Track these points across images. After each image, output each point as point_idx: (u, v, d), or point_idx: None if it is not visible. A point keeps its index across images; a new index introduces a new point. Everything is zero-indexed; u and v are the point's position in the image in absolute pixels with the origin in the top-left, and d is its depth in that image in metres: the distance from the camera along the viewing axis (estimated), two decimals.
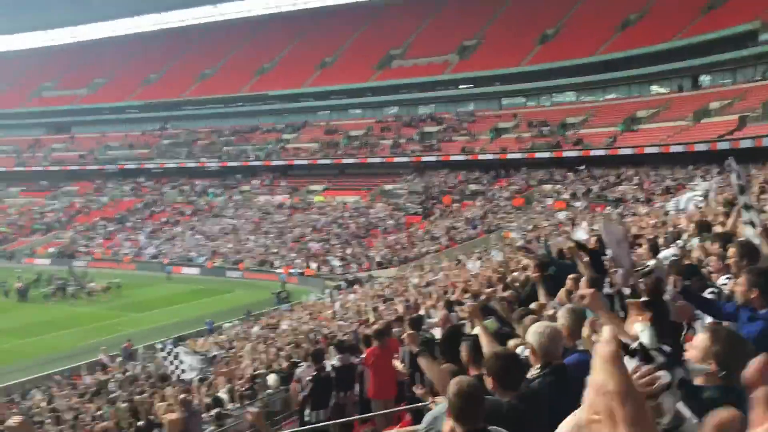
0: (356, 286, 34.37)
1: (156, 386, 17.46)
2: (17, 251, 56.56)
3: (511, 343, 5.12)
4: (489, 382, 3.51)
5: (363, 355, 9.13)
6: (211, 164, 65.57)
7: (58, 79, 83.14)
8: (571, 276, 7.95)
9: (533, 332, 3.97)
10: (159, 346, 19.48)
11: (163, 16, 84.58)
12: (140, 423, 11.91)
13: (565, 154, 48.50)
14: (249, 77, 72.79)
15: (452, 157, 54.18)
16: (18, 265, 50.68)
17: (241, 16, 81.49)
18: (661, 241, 10.34)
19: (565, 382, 3.77)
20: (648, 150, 43.67)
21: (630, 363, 2.63)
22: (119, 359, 25.33)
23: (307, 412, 8.73)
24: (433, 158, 55.26)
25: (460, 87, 61.81)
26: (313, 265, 44.12)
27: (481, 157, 52.82)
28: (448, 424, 3.20)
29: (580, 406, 3.55)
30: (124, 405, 14.47)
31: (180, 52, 79.93)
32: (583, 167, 47.26)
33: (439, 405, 4.08)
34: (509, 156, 51.18)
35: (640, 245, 10.49)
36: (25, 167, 72.92)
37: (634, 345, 2.79)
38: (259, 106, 70.58)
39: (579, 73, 52.71)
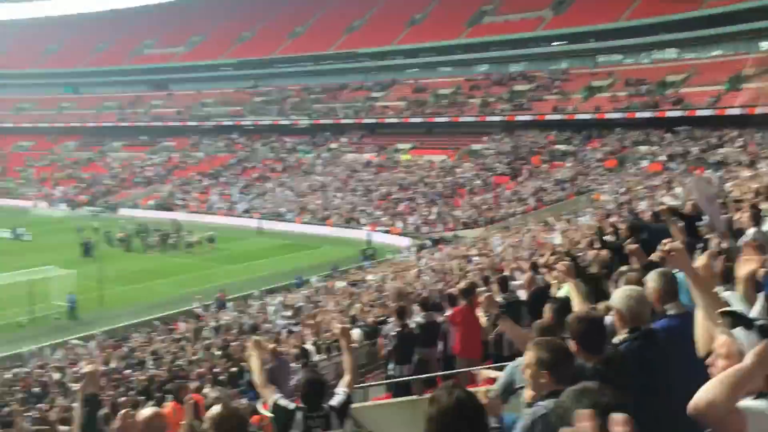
0: (441, 246, 34.43)
1: (247, 335, 18.21)
2: (120, 203, 59.64)
3: (602, 305, 5.01)
4: (572, 345, 3.44)
5: (447, 313, 9.19)
6: (301, 122, 66.60)
7: (157, 38, 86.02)
8: (664, 241, 7.66)
9: (620, 296, 3.89)
10: (250, 297, 20.35)
11: None
12: (234, 369, 12.49)
13: (665, 114, 46.35)
14: (339, 35, 73.02)
15: (543, 117, 52.81)
16: (120, 216, 53.43)
17: None
18: (766, 206, 9.77)
19: (654, 347, 3.68)
20: (759, 110, 40.99)
21: (746, 336, 2.54)
22: (213, 308, 26.47)
23: (390, 366, 8.90)
24: (522, 117, 54.06)
25: (554, 44, 59.92)
26: (399, 224, 44.38)
27: (573, 116, 51.24)
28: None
29: (668, 372, 3.48)
30: (218, 352, 15.17)
31: (272, 10, 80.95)
32: (682, 128, 45.10)
33: (519, 359, 4.06)
34: (603, 116, 49.41)
35: (739, 210, 9.94)
36: (126, 123, 76.33)
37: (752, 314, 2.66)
38: (348, 64, 70.81)
39: (681, 28, 49.96)
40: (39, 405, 13.52)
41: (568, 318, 3.74)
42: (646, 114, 47.30)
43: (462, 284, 10.11)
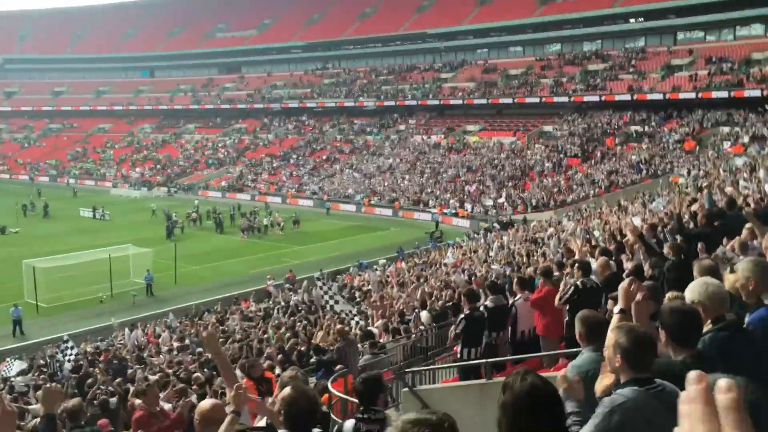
0: (510, 229, 33.95)
1: (315, 315, 18.44)
2: (194, 184, 61.33)
3: (731, 277, 4.73)
4: (662, 336, 3.29)
5: (517, 297, 9.03)
6: (369, 103, 66.73)
7: (229, 21, 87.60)
8: (747, 226, 7.30)
9: (697, 287, 3.72)
10: (317, 278, 20.57)
11: None
12: (302, 348, 12.64)
13: (748, 93, 44.21)
14: (408, 16, 72.59)
15: (617, 97, 51.22)
16: (196, 197, 54.90)
17: None
18: None
19: (742, 338, 3.51)
20: None
21: None
22: (283, 288, 26.92)
23: (459, 349, 8.81)
24: (596, 98, 52.57)
25: (630, 21, 57.87)
26: (467, 206, 44.03)
27: (649, 96, 49.49)
28: (607, 371, 3.08)
29: (760, 365, 3.28)
30: (287, 332, 15.39)
31: None
32: (766, 108, 42.93)
33: (585, 355, 3.97)
34: (682, 95, 47.51)
35: None
36: (199, 105, 78.25)
37: None
38: (417, 45, 70.42)
39: None
40: (117, 379, 14.04)
41: (662, 308, 3.58)
42: (727, 93, 45.21)
43: (544, 264, 9.91)
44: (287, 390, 3.55)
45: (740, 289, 4.04)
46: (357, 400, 4.52)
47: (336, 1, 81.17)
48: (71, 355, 16.85)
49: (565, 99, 54.14)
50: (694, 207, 13.34)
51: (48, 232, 41.17)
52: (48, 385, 4.63)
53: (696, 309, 3.45)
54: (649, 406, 2.76)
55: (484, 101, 59.18)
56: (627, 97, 50.57)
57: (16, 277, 27.97)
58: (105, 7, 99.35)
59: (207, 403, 4.19)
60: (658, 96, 48.98)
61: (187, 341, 17.95)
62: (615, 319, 3.84)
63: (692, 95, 47.01)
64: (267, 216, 42.70)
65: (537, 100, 55.91)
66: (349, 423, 4.27)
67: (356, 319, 16.51)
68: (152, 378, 12.20)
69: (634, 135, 47.70)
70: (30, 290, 26.54)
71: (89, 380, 13.63)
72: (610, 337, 3.09)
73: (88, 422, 6.18)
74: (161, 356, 16.78)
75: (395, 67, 71.19)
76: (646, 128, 47.99)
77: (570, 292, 7.76)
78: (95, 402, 10.29)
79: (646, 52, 55.65)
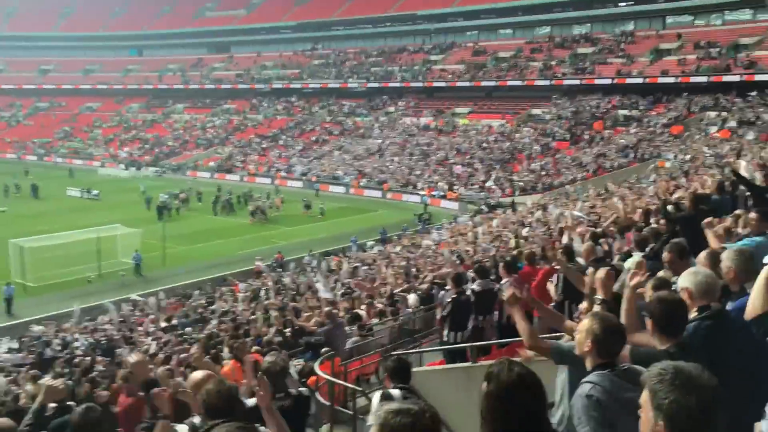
0: (498, 211, 34.12)
1: (303, 296, 18.54)
2: (182, 164, 61.02)
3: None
4: (648, 325, 3.40)
5: (504, 281, 9.15)
6: (359, 85, 66.47)
7: (218, 1, 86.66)
8: (736, 212, 7.44)
9: (686, 275, 3.80)
10: (306, 260, 20.67)
11: None
12: (288, 329, 12.76)
13: (736, 78, 44.42)
14: None
15: (606, 81, 51.31)
16: (185, 177, 54.66)
17: None
18: None
19: (725, 327, 3.56)
20: None
21: None
22: (272, 269, 27.00)
23: (445, 332, 8.93)
24: (585, 81, 52.64)
25: (620, 5, 57.83)
26: (456, 189, 44.15)
27: (638, 80, 49.62)
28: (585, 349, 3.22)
29: (746, 358, 3.38)
30: (276, 312, 15.49)
31: None
32: (754, 93, 43.18)
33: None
34: (670, 80, 47.68)
35: None
36: (188, 85, 77.62)
37: None
38: (407, 27, 70.09)
39: None
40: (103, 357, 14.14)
41: (651, 297, 3.68)
42: (716, 78, 45.41)
43: (527, 249, 10.04)
44: (208, 385, 3.66)
45: (724, 277, 4.14)
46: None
47: None
48: (60, 336, 16.94)
49: (554, 82, 54.16)
50: (680, 193, 13.50)
51: (36, 212, 40.94)
52: (52, 383, 4.71)
53: (682, 299, 3.53)
54: (615, 384, 2.90)
55: (473, 84, 59.10)
56: (615, 80, 50.65)
57: (2, 256, 27.87)
58: None
59: (199, 373, 4.32)
60: (646, 80, 49.11)
61: (174, 321, 18.05)
62: (595, 308, 3.95)
63: (680, 79, 47.15)
64: (273, 198, 42.74)
65: (526, 83, 55.90)
66: (396, 392, 4.52)
67: (347, 299, 16.58)
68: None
69: (622, 119, 47.88)
70: (17, 270, 26.48)
71: (75, 360, 13.74)
72: (585, 322, 3.21)
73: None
74: (148, 338, 16.87)
75: (385, 48, 70.85)
76: (634, 112, 48.18)
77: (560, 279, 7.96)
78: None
79: (635, 36, 55.68)
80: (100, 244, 27.97)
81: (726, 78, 44.93)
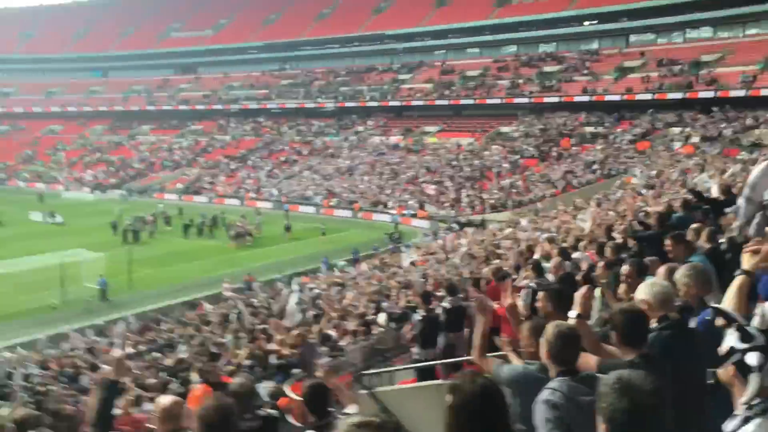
0: (468, 229, 34.19)
1: (274, 318, 18.23)
2: (149, 186, 60.27)
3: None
4: (613, 337, 3.46)
5: (473, 297, 9.08)
6: (328, 105, 66.55)
7: (184, 21, 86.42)
8: (693, 227, 7.49)
9: (643, 287, 3.91)
10: (278, 281, 20.42)
11: None
12: (258, 352, 12.49)
13: (698, 94, 45.43)
14: (366, 17, 72.63)
15: (573, 98, 52.10)
16: (152, 199, 53.94)
17: None
18: None
19: (683, 337, 3.66)
20: None
21: (730, 337, 2.72)
22: (241, 291, 26.62)
23: (416, 350, 8.84)
24: (552, 99, 53.40)
25: (585, 24, 58.94)
26: (426, 207, 44.22)
27: (604, 98, 50.46)
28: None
29: (705, 367, 3.38)
30: (244, 336, 15.21)
31: None
32: (716, 109, 44.17)
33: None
34: (635, 97, 48.58)
35: None
36: (155, 106, 76.97)
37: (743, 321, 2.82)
38: (375, 46, 70.53)
39: (716, 6, 48.79)
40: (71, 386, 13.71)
41: (613, 309, 3.77)
42: (679, 95, 46.38)
43: (495, 265, 9.99)
44: (207, 401, 3.58)
45: (684, 296, 4.25)
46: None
47: (292, 2, 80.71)
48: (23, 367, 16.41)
49: (521, 100, 54.83)
50: (645, 208, 13.61)
51: None
52: (118, 356, 4.78)
53: (642, 310, 3.57)
54: (573, 389, 3.01)
55: (442, 102, 59.55)
56: (582, 98, 51.48)
57: None
58: (55, 7, 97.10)
59: (167, 399, 4.15)
60: (612, 97, 50.02)
61: (140, 347, 17.63)
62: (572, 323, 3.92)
63: (644, 96, 48.09)
64: (256, 221, 41.99)
65: (494, 101, 56.51)
66: None
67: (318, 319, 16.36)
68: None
69: (589, 136, 48.57)
70: None
71: (40, 388, 13.29)
72: (547, 330, 3.34)
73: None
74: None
75: (353, 68, 71.17)
76: (600, 129, 48.91)
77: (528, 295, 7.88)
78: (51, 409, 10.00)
79: (599, 54, 56.73)
80: (64, 270, 27.33)
81: (689, 95, 45.87)
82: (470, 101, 57.87)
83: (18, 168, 70.54)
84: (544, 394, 3.02)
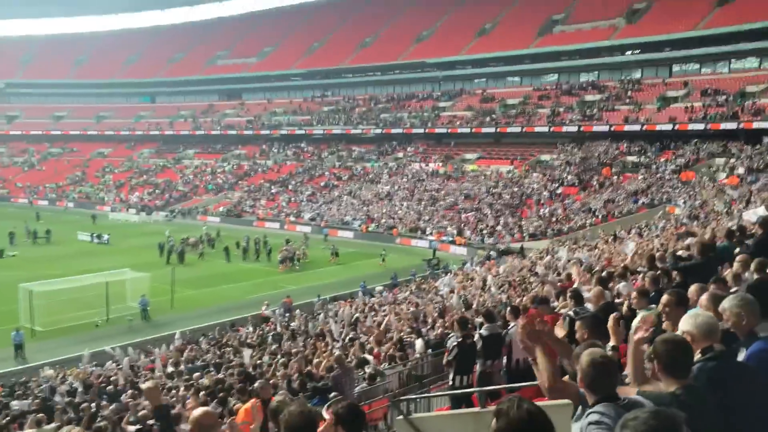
0: (507, 257, 34.02)
1: (312, 341, 18.40)
2: (192, 209, 61.42)
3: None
4: (655, 367, 3.38)
5: (511, 326, 9.09)
6: (368, 131, 67.17)
7: (230, 49, 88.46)
8: (739, 258, 7.40)
9: (686, 318, 3.79)
10: (316, 304, 20.58)
11: None
12: (295, 375, 12.65)
13: (743, 125, 44.65)
14: (407, 45, 73.38)
15: (614, 127, 51.68)
16: (195, 221, 54.86)
17: None
18: None
19: (730, 368, 3.53)
20: None
21: None
22: (280, 313, 26.85)
23: (451, 377, 8.86)
24: (593, 128, 53.01)
25: (627, 53, 58.62)
26: (465, 234, 44.12)
27: (646, 127, 49.95)
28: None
29: (759, 401, 3.32)
30: (282, 358, 15.39)
31: (342, 21, 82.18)
32: (766, 141, 43.33)
33: None
34: (678, 126, 47.97)
35: None
36: (200, 131, 78.67)
37: None
38: (416, 74, 71.09)
39: (762, 37, 48.06)
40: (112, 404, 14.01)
41: (656, 339, 3.67)
42: (724, 125, 45.65)
43: (536, 292, 9.99)
44: (290, 407, 3.61)
45: (733, 326, 4.09)
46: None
47: (336, 30, 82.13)
48: (66, 380, 16.83)
49: (562, 128, 54.57)
50: (688, 240, 13.46)
51: (47, 256, 41.13)
52: (148, 384, 4.89)
53: (686, 340, 3.50)
54: (620, 414, 2.80)
55: (482, 130, 59.62)
56: (624, 127, 51.01)
57: (12, 300, 27.89)
58: (107, 34, 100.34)
59: (199, 410, 4.28)
60: (654, 126, 49.43)
61: (181, 366, 17.92)
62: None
63: (688, 126, 47.41)
64: (304, 245, 42.15)
65: (535, 129, 56.35)
66: None
67: (356, 343, 16.47)
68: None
69: (631, 165, 48.03)
70: (26, 314, 26.46)
71: (83, 405, 13.63)
72: (582, 358, 3.28)
73: None
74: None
75: (394, 95, 71.83)
76: (642, 158, 48.33)
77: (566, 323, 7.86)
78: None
79: (642, 84, 56.25)
80: (109, 289, 27.96)
81: (735, 125, 45.08)
82: (510, 129, 57.74)
83: (68, 189, 72.64)
84: (593, 417, 2.95)
